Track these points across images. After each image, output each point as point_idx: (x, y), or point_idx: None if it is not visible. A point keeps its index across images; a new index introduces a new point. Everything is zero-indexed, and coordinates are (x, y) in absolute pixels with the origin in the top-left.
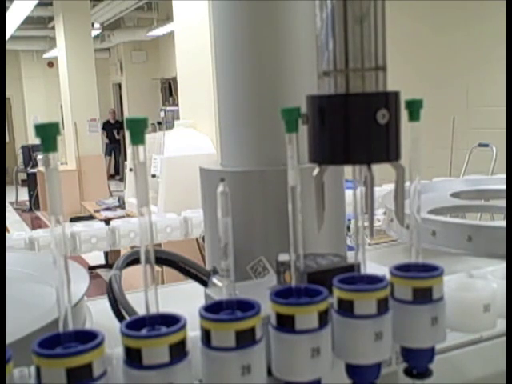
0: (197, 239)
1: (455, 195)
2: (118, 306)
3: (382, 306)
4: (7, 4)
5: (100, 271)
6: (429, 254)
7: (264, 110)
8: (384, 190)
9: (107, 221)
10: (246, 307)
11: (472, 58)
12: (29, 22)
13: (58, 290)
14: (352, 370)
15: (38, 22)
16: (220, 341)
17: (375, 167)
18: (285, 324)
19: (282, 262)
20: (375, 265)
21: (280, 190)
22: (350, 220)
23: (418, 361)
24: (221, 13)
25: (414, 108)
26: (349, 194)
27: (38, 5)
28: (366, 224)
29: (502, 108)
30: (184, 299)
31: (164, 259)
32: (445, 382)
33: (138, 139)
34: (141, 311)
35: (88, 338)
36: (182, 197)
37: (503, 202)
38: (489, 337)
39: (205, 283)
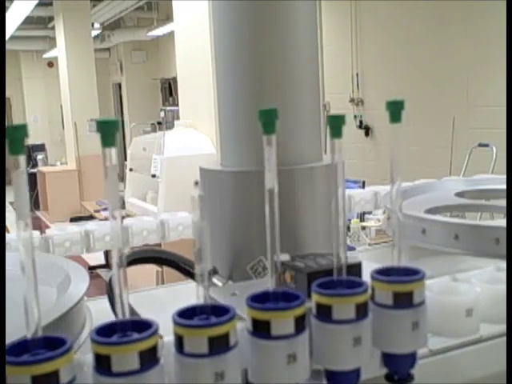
0: None
1: (459, 194)
2: None
3: (361, 311)
4: (7, 4)
5: (100, 271)
6: (426, 252)
7: None
8: (384, 189)
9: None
10: (221, 312)
11: (472, 57)
12: (29, 22)
13: (26, 298)
14: (330, 375)
15: (38, 22)
16: (193, 347)
17: (375, 168)
18: (260, 329)
19: (282, 262)
20: (375, 265)
21: (280, 190)
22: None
23: (398, 366)
24: (221, 13)
25: (396, 109)
26: None
27: (38, 5)
28: (367, 224)
29: (502, 108)
30: (184, 299)
31: (164, 259)
32: (445, 382)
33: (110, 141)
34: (141, 311)
35: (57, 344)
36: (182, 197)
37: (503, 202)
38: (489, 337)
39: None
